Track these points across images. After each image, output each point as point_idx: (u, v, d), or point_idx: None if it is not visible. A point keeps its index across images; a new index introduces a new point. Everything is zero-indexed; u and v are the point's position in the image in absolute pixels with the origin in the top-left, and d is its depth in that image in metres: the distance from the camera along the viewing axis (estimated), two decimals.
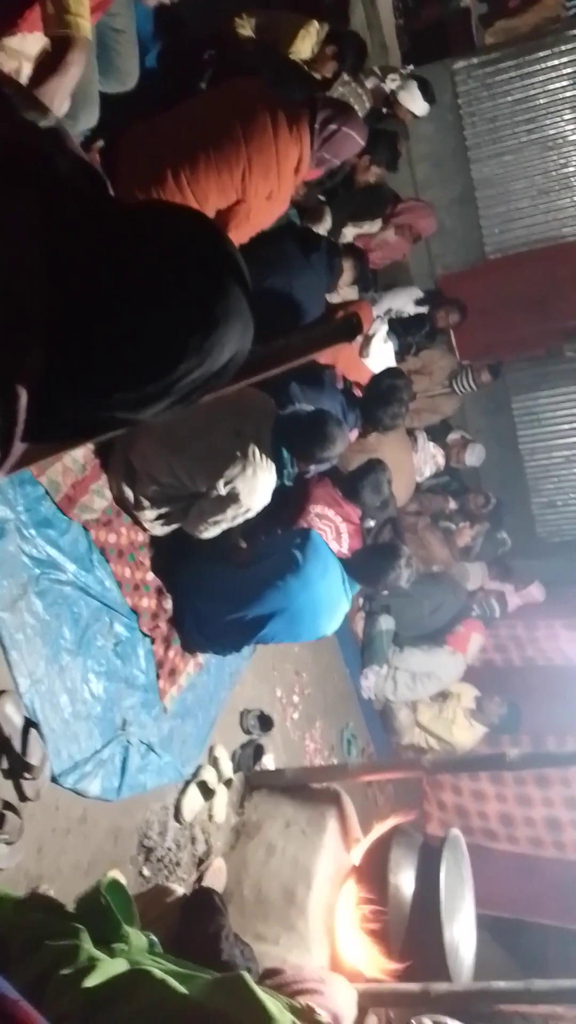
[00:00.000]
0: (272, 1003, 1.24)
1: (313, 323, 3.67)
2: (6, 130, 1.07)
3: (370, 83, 4.79)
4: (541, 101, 6.42)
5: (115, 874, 2.54)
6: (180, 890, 2.32)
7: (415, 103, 5.04)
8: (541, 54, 6.31)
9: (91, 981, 1.19)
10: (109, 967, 1.23)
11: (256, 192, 2.81)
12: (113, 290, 0.94)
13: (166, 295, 0.93)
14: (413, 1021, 2.42)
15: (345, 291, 4.32)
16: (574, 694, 5.79)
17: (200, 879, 2.96)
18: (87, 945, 1.28)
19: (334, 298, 4.16)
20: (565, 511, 7.39)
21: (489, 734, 5.41)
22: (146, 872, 2.73)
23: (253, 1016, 1.19)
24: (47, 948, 1.24)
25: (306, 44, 4.26)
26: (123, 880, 2.55)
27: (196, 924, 2.03)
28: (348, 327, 1.18)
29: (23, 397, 0.96)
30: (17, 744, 2.25)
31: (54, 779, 2.39)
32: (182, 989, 1.20)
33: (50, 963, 1.21)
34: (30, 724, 2.32)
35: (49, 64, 1.68)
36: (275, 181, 2.84)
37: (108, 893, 1.41)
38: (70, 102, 2.35)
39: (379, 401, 3.79)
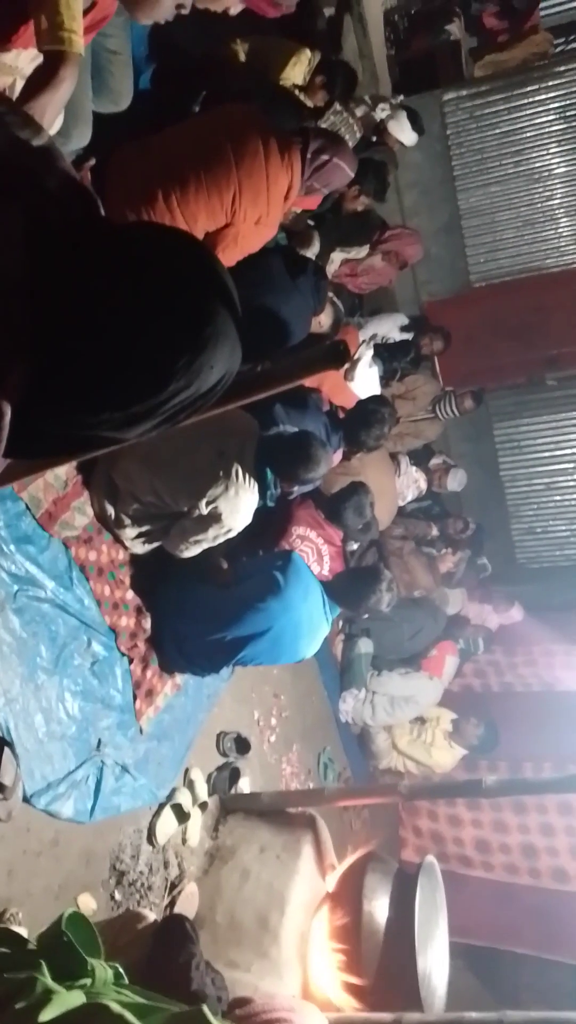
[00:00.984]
0: None
1: (299, 347, 3.68)
2: None
3: (360, 111, 4.85)
4: (528, 134, 6.53)
5: (85, 898, 2.50)
6: (152, 916, 2.28)
7: (404, 133, 5.10)
8: (529, 88, 6.42)
9: (46, 1015, 1.16)
10: (66, 999, 1.20)
11: (245, 216, 2.83)
12: (102, 309, 0.94)
13: (155, 315, 0.93)
14: None
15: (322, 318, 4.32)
16: (551, 720, 5.80)
17: (172, 904, 2.92)
18: (45, 978, 1.25)
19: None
20: (544, 538, 7.43)
21: (467, 757, 5.40)
22: (118, 896, 2.69)
23: None
24: (3, 981, 1.20)
25: (297, 71, 4.32)
26: (93, 904, 2.51)
27: (167, 952, 2.00)
28: (335, 353, 1.18)
29: (7, 413, 0.95)
30: None
31: (26, 800, 2.36)
32: None
33: (5, 996, 1.18)
34: (3, 743, 2.29)
35: (41, 79, 1.68)
36: (264, 206, 2.86)
37: (69, 927, 1.38)
38: (63, 120, 2.37)
39: (362, 423, 3.80)
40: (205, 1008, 1.22)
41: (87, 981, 1.31)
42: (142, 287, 0.94)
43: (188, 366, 0.95)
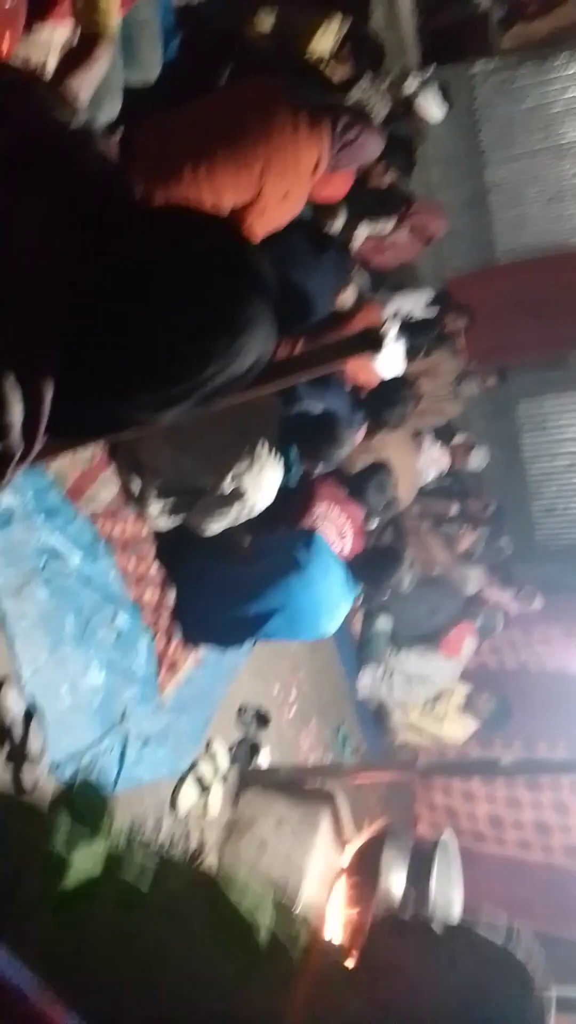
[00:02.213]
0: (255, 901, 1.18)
1: (321, 323, 3.67)
2: (33, 126, 1.07)
3: (387, 84, 4.78)
4: (556, 108, 6.40)
5: None
6: None
7: (432, 108, 5.02)
8: (558, 61, 6.29)
9: (67, 881, 1.13)
10: (79, 869, 1.16)
11: (272, 191, 2.80)
12: (139, 293, 0.95)
13: (193, 299, 0.94)
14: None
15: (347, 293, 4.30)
16: (567, 700, 5.81)
17: None
18: (60, 838, 1.21)
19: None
20: (565, 517, 7.39)
21: (481, 733, 5.42)
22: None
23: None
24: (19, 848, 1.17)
25: (326, 40, 4.25)
26: None
27: None
28: (370, 339, 1.18)
29: (48, 394, 0.96)
30: (17, 734, 2.26)
31: (52, 770, 2.40)
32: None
33: (20, 865, 1.15)
34: (30, 714, 2.33)
35: (76, 58, 1.68)
36: (292, 181, 2.84)
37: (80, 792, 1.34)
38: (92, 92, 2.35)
39: (385, 403, 3.80)
40: (216, 880, 1.17)
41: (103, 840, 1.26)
42: (179, 271, 0.95)
43: (225, 350, 0.96)
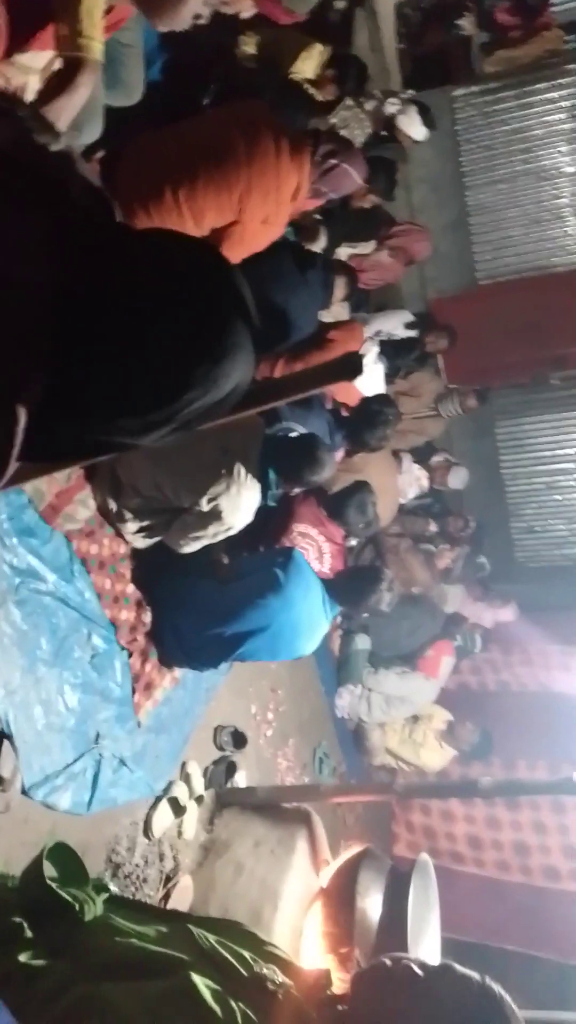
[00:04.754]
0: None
1: (306, 340, 3.68)
2: (19, 152, 1.07)
3: (370, 106, 4.83)
4: (537, 132, 6.51)
5: None
6: None
7: (414, 128, 5.08)
8: (539, 86, 6.40)
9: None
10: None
11: (253, 215, 2.82)
12: (122, 317, 0.95)
13: (175, 325, 0.94)
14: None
15: (336, 308, 4.34)
16: (546, 720, 5.82)
17: (167, 897, 2.94)
18: (21, 957, 1.19)
19: (325, 316, 4.18)
20: (544, 537, 7.44)
21: (460, 757, 5.42)
22: (113, 888, 2.70)
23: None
24: None
25: (309, 65, 4.30)
26: None
27: None
28: (350, 365, 1.19)
29: (23, 418, 0.95)
30: None
31: (25, 792, 2.37)
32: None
33: None
34: (2, 735, 2.30)
35: (59, 84, 1.68)
36: (273, 205, 2.85)
37: (50, 859, 1.32)
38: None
39: (366, 424, 3.81)
40: (193, 975, 1.17)
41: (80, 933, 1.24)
42: (162, 297, 0.95)
43: (206, 375, 0.96)
